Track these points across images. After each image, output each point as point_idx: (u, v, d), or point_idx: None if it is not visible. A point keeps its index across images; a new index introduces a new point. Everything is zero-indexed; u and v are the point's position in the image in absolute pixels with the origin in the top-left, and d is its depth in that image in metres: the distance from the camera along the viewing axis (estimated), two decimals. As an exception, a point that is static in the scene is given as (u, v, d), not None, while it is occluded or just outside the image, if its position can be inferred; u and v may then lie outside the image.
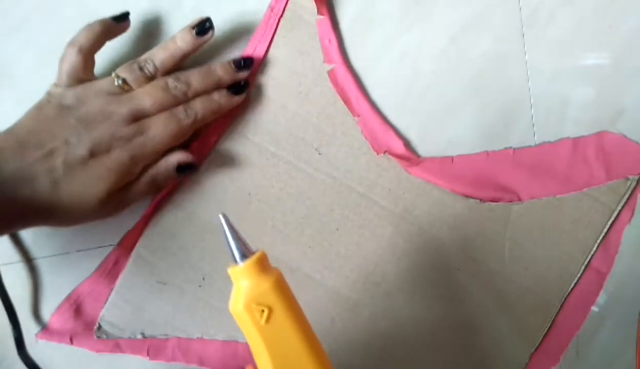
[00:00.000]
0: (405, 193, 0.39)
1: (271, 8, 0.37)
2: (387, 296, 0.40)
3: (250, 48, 0.38)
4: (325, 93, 0.38)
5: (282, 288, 0.27)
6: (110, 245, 0.39)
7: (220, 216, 0.28)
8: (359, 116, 0.38)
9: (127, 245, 0.38)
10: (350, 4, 0.38)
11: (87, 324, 0.39)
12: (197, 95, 0.36)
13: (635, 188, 0.40)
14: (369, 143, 0.38)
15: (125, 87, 0.35)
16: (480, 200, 0.39)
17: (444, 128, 0.39)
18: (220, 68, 0.36)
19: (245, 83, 0.37)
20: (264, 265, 0.27)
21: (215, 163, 0.38)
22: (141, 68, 0.35)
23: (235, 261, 0.27)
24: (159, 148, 0.35)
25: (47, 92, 0.35)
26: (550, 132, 0.39)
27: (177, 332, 0.39)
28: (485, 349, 0.41)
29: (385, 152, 0.38)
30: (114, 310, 0.39)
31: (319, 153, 0.39)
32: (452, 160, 0.39)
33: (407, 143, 0.39)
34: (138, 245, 0.38)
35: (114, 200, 0.34)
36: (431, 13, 0.38)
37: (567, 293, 0.41)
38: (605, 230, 0.40)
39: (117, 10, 0.36)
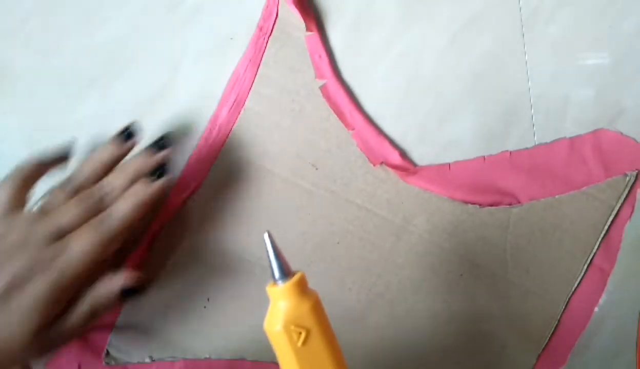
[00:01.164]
0: (403, 202, 0.39)
1: (260, 28, 0.38)
2: (392, 305, 0.40)
3: (241, 68, 0.38)
4: (318, 109, 0.38)
5: (319, 311, 0.28)
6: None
7: (265, 235, 0.28)
8: (353, 129, 0.38)
9: (131, 262, 0.39)
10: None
11: (94, 351, 0.39)
12: (117, 195, 0.34)
13: (634, 184, 0.40)
14: (365, 155, 0.38)
15: (45, 210, 0.33)
16: (479, 205, 0.39)
17: (443, 129, 0.39)
18: (138, 157, 0.35)
19: (164, 165, 0.35)
20: (303, 286, 0.28)
21: (213, 185, 0.38)
22: (62, 189, 0.34)
23: (275, 280, 0.27)
24: (83, 266, 0.32)
25: None
26: (551, 132, 0.39)
27: (185, 353, 0.39)
28: (492, 353, 0.41)
29: (381, 163, 0.38)
30: (121, 335, 0.39)
31: (316, 169, 0.39)
32: (449, 167, 0.39)
33: (403, 153, 0.39)
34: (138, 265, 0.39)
35: (45, 338, 0.32)
36: (430, 13, 0.38)
37: (571, 293, 0.41)
38: (606, 228, 0.40)
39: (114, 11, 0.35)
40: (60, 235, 0.32)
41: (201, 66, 0.38)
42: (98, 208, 0.33)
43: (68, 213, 0.33)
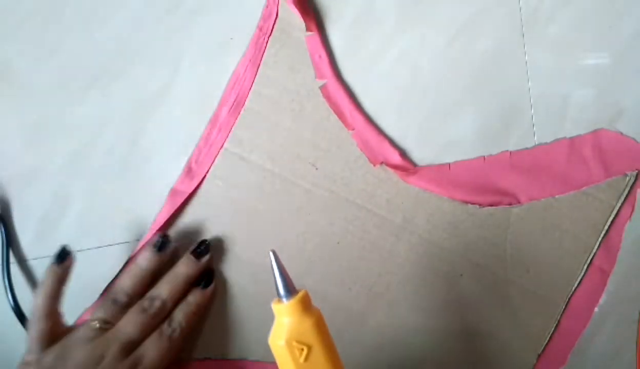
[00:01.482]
0: (403, 202, 0.39)
1: (259, 28, 0.38)
2: (392, 305, 0.40)
3: (241, 68, 0.38)
4: (318, 109, 0.38)
5: (322, 328, 0.28)
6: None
7: (270, 253, 0.29)
8: (353, 129, 0.38)
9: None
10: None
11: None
12: (174, 302, 0.36)
13: (634, 184, 0.40)
14: (365, 155, 0.38)
15: (105, 327, 0.35)
16: (479, 205, 0.39)
17: (443, 128, 0.39)
18: (183, 265, 0.37)
19: (210, 271, 0.38)
20: (306, 304, 0.28)
21: (212, 184, 0.38)
22: (114, 302, 0.35)
23: (280, 297, 0.28)
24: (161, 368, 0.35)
25: (22, 363, 0.33)
26: (551, 132, 0.39)
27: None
28: (492, 353, 0.41)
29: (381, 163, 0.38)
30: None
31: (316, 169, 0.39)
32: (449, 167, 0.39)
33: (403, 153, 0.39)
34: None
35: None
36: (430, 13, 0.38)
37: (571, 293, 0.41)
38: (606, 228, 0.40)
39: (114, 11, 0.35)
40: (130, 348, 0.34)
41: (201, 66, 0.38)
42: (159, 318, 0.36)
43: (134, 325, 0.35)
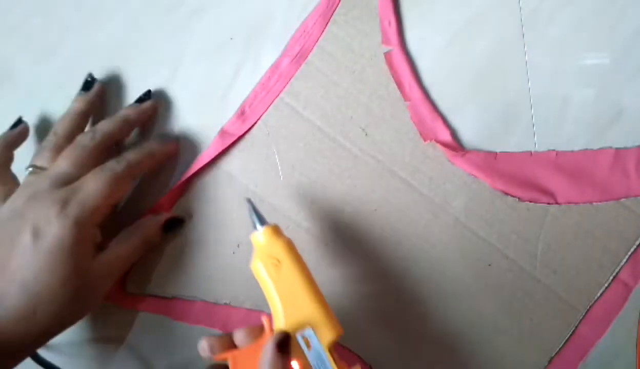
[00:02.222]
0: (446, 183, 0.39)
1: (336, -17, 0.38)
2: (416, 284, 0.40)
3: (310, 21, 0.38)
4: (379, 75, 0.38)
5: (291, 248, 0.33)
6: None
7: (246, 201, 0.35)
8: (410, 101, 0.38)
9: (166, 202, 0.38)
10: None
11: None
12: (107, 136, 0.36)
13: (671, 204, 0.40)
14: (416, 129, 0.39)
15: (38, 171, 0.34)
16: (519, 198, 0.40)
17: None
18: (125, 109, 0.37)
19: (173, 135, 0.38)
20: (277, 231, 0.34)
21: (261, 132, 0.38)
22: (45, 146, 0.35)
23: (256, 229, 0.33)
24: (99, 202, 0.33)
25: None
26: (551, 132, 0.39)
27: (205, 296, 0.39)
28: (504, 348, 0.41)
29: (432, 140, 0.39)
30: (148, 266, 0.39)
31: (366, 134, 0.39)
32: (496, 156, 0.39)
33: (453, 134, 0.39)
34: (175, 205, 0.38)
35: (91, 272, 0.33)
36: (430, 13, 0.39)
37: (592, 302, 0.41)
38: (637, 243, 0.40)
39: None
40: (67, 181, 0.33)
41: (201, 66, 0.38)
42: (98, 151, 0.35)
43: (67, 160, 0.34)
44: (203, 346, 0.33)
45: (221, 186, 0.39)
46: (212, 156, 0.38)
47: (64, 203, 0.32)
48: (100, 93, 0.37)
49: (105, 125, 0.36)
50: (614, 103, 0.39)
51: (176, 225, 0.37)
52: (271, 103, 0.38)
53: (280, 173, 0.39)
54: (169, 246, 0.39)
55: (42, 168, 0.34)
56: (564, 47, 0.39)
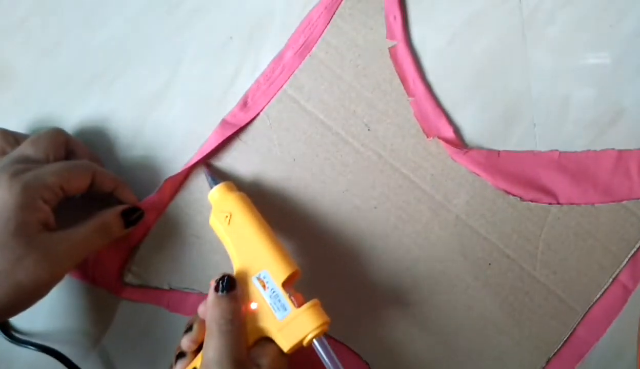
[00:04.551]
0: (447, 180, 0.39)
1: (342, -24, 0.37)
2: (416, 282, 0.40)
3: (315, 13, 0.38)
4: (383, 70, 0.38)
5: (242, 201, 0.35)
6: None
7: (201, 168, 0.37)
8: (413, 97, 0.38)
9: (165, 193, 0.38)
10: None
11: (114, 268, 0.38)
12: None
13: (673, 207, 0.40)
14: (419, 125, 0.38)
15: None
16: (521, 198, 0.39)
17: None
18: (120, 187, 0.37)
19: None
20: (229, 188, 0.36)
21: (263, 124, 0.38)
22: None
23: (211, 188, 0.36)
24: (54, 179, 0.33)
25: None
26: (551, 132, 0.39)
27: (202, 288, 0.39)
28: (503, 347, 0.41)
29: (434, 137, 0.38)
30: (145, 257, 0.38)
31: (368, 129, 0.38)
32: (499, 154, 0.39)
33: (456, 130, 0.39)
34: (177, 196, 0.38)
35: (46, 242, 0.32)
36: (435, 9, 0.38)
37: (591, 304, 0.41)
38: (638, 245, 0.40)
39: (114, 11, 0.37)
40: (25, 162, 0.33)
41: (201, 66, 0.38)
42: (58, 148, 0.34)
43: (27, 148, 0.34)
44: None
45: (224, 176, 0.38)
46: (213, 146, 0.37)
47: (19, 172, 0.32)
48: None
49: (81, 151, 0.36)
50: (614, 103, 0.39)
51: (135, 217, 0.36)
52: (274, 95, 0.38)
53: (281, 166, 0.38)
54: (166, 238, 0.38)
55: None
56: (564, 46, 0.39)
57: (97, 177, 0.35)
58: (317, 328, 0.32)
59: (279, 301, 0.33)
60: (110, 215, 0.35)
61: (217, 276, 0.33)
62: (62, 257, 0.32)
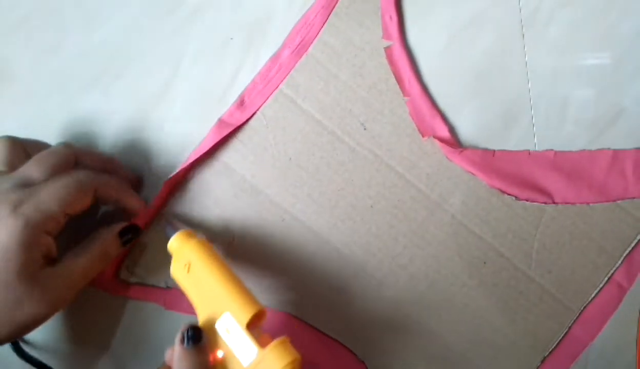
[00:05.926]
0: (443, 180, 0.39)
1: (339, -24, 0.38)
2: (411, 280, 0.40)
3: (312, 13, 0.38)
4: (379, 69, 0.38)
5: (200, 248, 0.34)
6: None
7: (163, 217, 0.37)
8: (409, 96, 0.38)
9: (162, 192, 0.38)
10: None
11: (111, 265, 0.38)
12: (87, 157, 0.35)
13: (668, 207, 0.40)
14: (415, 125, 0.38)
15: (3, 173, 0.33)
16: (516, 197, 0.39)
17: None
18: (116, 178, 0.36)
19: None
20: (187, 236, 0.35)
21: (260, 123, 0.38)
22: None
23: (169, 239, 0.35)
24: (56, 207, 0.32)
25: None
26: (551, 132, 0.39)
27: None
28: (498, 347, 0.41)
29: (430, 136, 0.38)
30: (142, 255, 0.38)
31: (364, 128, 0.39)
32: (494, 154, 0.39)
33: (452, 130, 0.39)
34: (175, 195, 0.38)
35: (42, 277, 0.31)
36: (431, 9, 0.38)
37: (586, 303, 0.41)
38: (632, 245, 0.40)
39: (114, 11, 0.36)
40: (26, 184, 0.32)
41: (201, 66, 0.38)
42: (59, 157, 0.33)
43: (29, 167, 0.32)
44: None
45: (218, 177, 0.38)
46: (210, 145, 0.37)
47: (20, 203, 0.30)
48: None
49: (90, 161, 0.35)
50: (614, 103, 0.39)
51: (133, 234, 0.36)
52: (270, 94, 0.38)
53: (278, 165, 0.38)
54: (163, 236, 0.38)
55: (4, 173, 0.33)
56: (564, 46, 0.39)
57: (99, 191, 0.34)
58: (285, 367, 0.31)
59: (245, 344, 0.32)
60: (108, 239, 0.35)
61: (182, 328, 0.32)
62: (63, 292, 0.32)
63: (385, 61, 0.38)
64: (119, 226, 0.35)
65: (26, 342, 0.39)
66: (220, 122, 0.38)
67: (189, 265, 0.34)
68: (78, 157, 0.35)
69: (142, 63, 0.38)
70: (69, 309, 0.39)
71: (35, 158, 0.33)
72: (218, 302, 0.33)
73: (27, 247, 0.30)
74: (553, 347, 0.41)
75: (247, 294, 0.33)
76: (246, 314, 0.32)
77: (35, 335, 0.38)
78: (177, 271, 0.34)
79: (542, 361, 0.41)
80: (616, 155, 0.40)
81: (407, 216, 0.39)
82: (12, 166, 0.33)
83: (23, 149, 0.34)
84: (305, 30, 0.38)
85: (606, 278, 0.41)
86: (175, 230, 0.35)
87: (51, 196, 0.31)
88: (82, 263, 0.33)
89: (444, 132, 0.39)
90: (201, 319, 0.33)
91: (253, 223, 0.39)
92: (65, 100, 0.39)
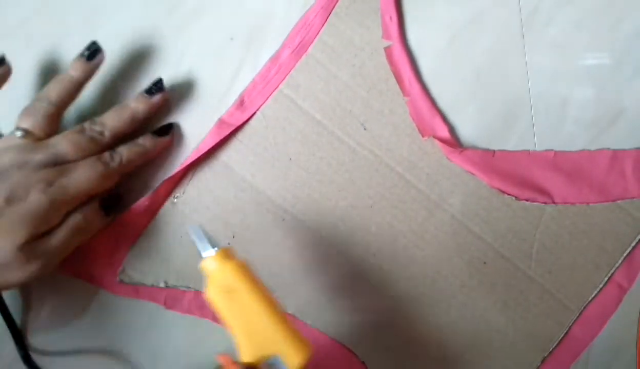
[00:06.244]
0: (443, 180, 0.39)
1: (338, -24, 0.38)
2: (411, 280, 0.40)
3: (312, 13, 0.38)
4: (378, 69, 0.38)
5: (244, 271, 0.31)
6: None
7: (189, 228, 0.33)
8: (409, 97, 0.38)
9: (162, 192, 0.38)
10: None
11: (110, 265, 0.38)
12: (116, 134, 0.35)
13: (668, 207, 0.40)
14: (415, 125, 0.39)
15: (30, 137, 0.33)
16: (516, 197, 0.40)
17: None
18: (133, 100, 0.36)
19: (169, 125, 0.37)
20: (227, 254, 0.31)
21: (260, 123, 0.38)
22: (37, 109, 0.34)
23: (204, 257, 0.31)
24: (83, 191, 0.33)
25: None
26: (551, 132, 0.39)
27: (199, 286, 0.39)
28: (498, 346, 0.41)
29: (430, 136, 0.39)
30: (141, 255, 0.38)
31: (364, 128, 0.39)
32: (494, 154, 0.39)
33: (452, 130, 0.39)
34: (173, 193, 0.38)
35: (36, 250, 0.32)
36: (431, 10, 0.38)
37: (586, 303, 0.41)
38: (632, 245, 0.40)
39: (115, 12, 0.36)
40: (59, 162, 0.33)
41: (201, 66, 0.38)
42: (97, 144, 0.35)
43: (67, 142, 0.34)
44: None
45: (218, 177, 0.38)
46: (210, 146, 0.37)
47: (49, 183, 0.32)
48: (100, 64, 0.36)
49: (115, 121, 0.35)
50: (614, 103, 0.39)
51: (114, 202, 0.36)
52: (270, 94, 0.38)
53: (278, 165, 0.38)
54: (162, 236, 0.38)
55: (32, 134, 0.34)
56: (564, 47, 0.39)
57: (126, 170, 0.36)
58: None
59: None
60: (89, 213, 0.35)
61: None
62: (44, 266, 0.33)
63: (385, 61, 0.38)
64: (98, 200, 0.36)
65: (35, 350, 0.39)
66: (220, 122, 0.38)
67: (231, 291, 0.31)
68: (103, 123, 0.35)
69: (142, 63, 0.38)
70: (74, 313, 0.39)
71: (70, 136, 0.34)
72: (267, 340, 0.30)
73: (42, 222, 0.32)
74: (553, 347, 0.41)
75: (297, 334, 0.31)
76: (298, 359, 0.30)
77: (44, 343, 0.38)
78: (215, 295, 0.31)
79: (542, 361, 0.41)
80: (616, 155, 0.40)
81: (407, 216, 0.39)
82: (46, 133, 0.34)
83: (59, 115, 0.35)
84: (305, 30, 0.38)
85: (606, 278, 0.41)
86: (209, 245, 0.32)
87: (80, 180, 0.33)
88: (59, 238, 0.33)
89: (444, 132, 0.39)
90: (243, 352, 0.30)
91: (253, 223, 0.39)
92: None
